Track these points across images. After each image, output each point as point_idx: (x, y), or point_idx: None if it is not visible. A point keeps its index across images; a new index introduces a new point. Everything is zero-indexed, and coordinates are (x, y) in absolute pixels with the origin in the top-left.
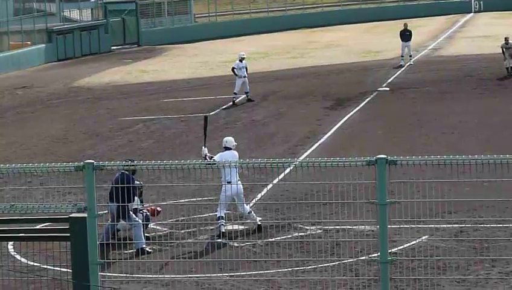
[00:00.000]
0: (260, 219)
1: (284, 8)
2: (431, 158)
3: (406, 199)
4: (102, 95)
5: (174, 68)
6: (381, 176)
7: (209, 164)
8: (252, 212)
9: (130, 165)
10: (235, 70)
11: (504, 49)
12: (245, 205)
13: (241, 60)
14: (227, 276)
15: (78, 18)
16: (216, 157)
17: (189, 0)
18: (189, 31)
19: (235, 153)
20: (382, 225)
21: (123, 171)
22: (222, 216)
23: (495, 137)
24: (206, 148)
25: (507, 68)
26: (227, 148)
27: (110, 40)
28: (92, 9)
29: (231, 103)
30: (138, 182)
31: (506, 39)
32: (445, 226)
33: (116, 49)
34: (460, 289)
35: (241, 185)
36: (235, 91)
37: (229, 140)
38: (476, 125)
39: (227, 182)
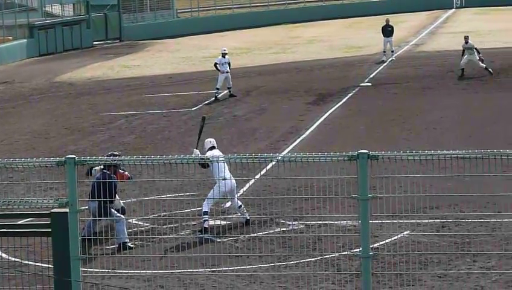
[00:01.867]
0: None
1: (266, 4)
2: (412, 153)
3: (388, 194)
4: (84, 90)
5: (156, 63)
6: (362, 171)
7: (203, 158)
8: (243, 206)
9: (112, 161)
10: (217, 65)
11: (465, 50)
12: (236, 199)
13: (223, 56)
14: (209, 271)
15: (60, 13)
16: (208, 156)
17: None
18: (171, 27)
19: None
20: (364, 220)
21: (104, 171)
22: (208, 211)
23: (477, 132)
24: (197, 150)
25: (462, 69)
26: (212, 148)
27: (92, 35)
28: (73, 4)
29: (213, 98)
30: (127, 173)
31: (466, 38)
32: (426, 221)
33: (98, 44)
34: (442, 284)
35: (234, 181)
36: (217, 86)
37: (213, 140)
38: (457, 120)
39: (223, 179)
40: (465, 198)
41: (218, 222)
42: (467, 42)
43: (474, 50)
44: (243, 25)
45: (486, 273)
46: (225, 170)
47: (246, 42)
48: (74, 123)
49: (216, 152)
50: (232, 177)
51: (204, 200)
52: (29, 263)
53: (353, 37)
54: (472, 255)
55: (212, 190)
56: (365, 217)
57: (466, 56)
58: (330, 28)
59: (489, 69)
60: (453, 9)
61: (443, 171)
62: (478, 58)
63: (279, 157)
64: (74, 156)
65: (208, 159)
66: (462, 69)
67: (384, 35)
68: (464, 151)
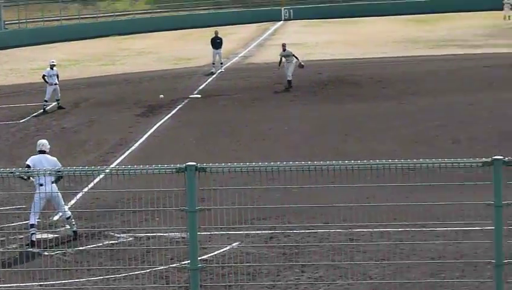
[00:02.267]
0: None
1: (95, 16)
2: (240, 165)
3: (217, 205)
4: None
5: None
6: (190, 183)
7: (24, 172)
8: (72, 217)
9: None
10: (45, 77)
11: (283, 58)
12: (67, 209)
13: (51, 67)
14: (37, 285)
15: None
16: (28, 162)
17: None
18: None
19: (49, 156)
20: (192, 232)
21: None
22: (34, 224)
23: (304, 143)
24: None
25: (289, 81)
26: (42, 152)
27: None
28: None
29: (42, 110)
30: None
31: (284, 46)
32: (255, 232)
33: None
34: None
35: (55, 188)
36: (45, 98)
37: (44, 143)
38: (286, 131)
39: (40, 185)
40: (293, 209)
41: (46, 235)
42: (284, 50)
43: (293, 57)
44: (71, 37)
45: (314, 283)
46: (44, 176)
47: (75, 54)
48: None
49: (38, 158)
50: (54, 185)
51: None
52: None
53: (182, 49)
54: (300, 265)
55: (33, 200)
56: (193, 229)
57: (285, 64)
58: (160, 39)
59: (291, 83)
60: (282, 22)
61: (271, 182)
62: (298, 64)
63: (108, 170)
64: None
65: (29, 171)
66: (289, 80)
67: (213, 47)
68: (291, 162)
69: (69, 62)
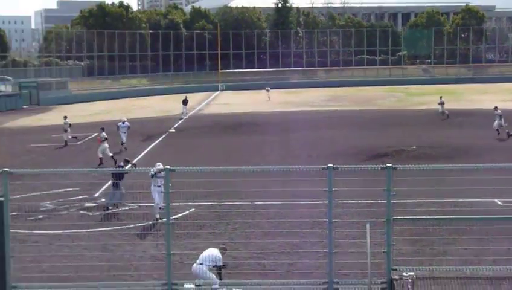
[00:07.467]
0: None
1: (120, 87)
2: (202, 168)
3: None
4: None
5: None
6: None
7: None
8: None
9: None
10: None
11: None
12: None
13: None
14: None
15: None
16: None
17: None
18: None
19: None
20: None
21: None
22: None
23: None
24: None
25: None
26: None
27: None
28: None
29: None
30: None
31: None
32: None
33: None
34: None
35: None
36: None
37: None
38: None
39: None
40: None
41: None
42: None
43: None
44: (108, 98)
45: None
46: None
47: (108, 107)
48: None
49: None
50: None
51: None
52: None
53: (166, 105)
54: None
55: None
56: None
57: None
58: (153, 100)
59: None
60: (218, 91)
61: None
62: None
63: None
64: None
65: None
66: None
67: (183, 104)
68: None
69: (105, 112)
